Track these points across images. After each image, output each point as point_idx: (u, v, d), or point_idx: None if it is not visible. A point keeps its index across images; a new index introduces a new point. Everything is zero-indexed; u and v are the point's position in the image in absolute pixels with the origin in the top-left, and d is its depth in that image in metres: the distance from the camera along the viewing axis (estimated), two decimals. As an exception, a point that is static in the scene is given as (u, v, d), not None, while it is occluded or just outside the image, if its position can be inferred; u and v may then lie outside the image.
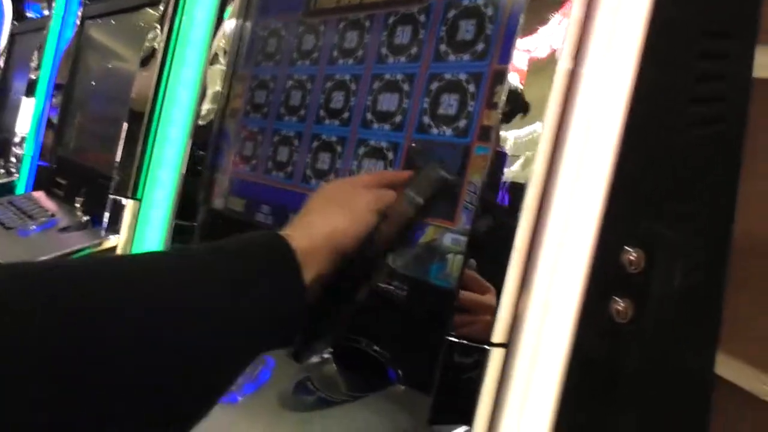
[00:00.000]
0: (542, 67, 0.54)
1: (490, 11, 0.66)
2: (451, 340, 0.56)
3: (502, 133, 0.55)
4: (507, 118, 0.55)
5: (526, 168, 0.54)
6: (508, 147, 0.55)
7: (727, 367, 0.73)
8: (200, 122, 1.05)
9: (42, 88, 1.91)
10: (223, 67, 1.05)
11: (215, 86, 1.05)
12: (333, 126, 0.83)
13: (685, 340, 0.70)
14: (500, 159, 0.55)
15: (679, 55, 0.60)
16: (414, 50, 0.74)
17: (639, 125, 0.55)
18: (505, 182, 0.55)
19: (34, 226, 1.36)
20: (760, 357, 0.70)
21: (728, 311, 0.73)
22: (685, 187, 0.64)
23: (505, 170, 0.55)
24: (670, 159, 0.62)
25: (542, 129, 0.54)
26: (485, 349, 0.54)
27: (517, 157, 0.55)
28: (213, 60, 1.06)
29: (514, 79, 0.56)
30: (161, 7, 1.22)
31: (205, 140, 1.04)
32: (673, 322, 0.66)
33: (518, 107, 0.55)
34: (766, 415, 0.69)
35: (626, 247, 0.58)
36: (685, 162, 0.63)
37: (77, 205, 1.47)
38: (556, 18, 0.54)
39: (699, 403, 0.74)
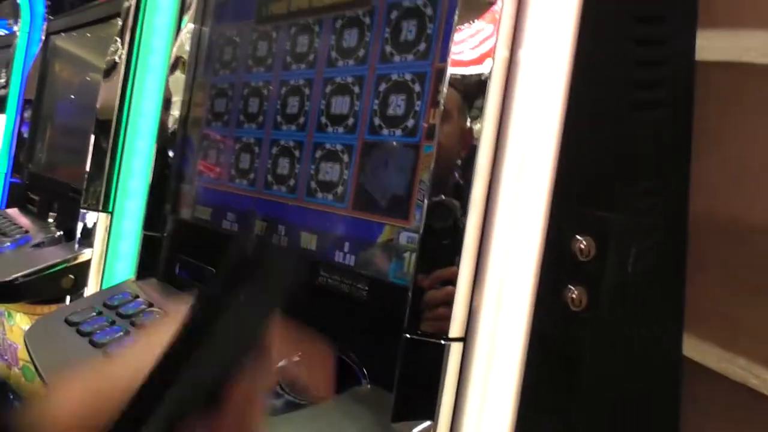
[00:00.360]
0: (479, 61, 0.55)
1: (429, 11, 0.67)
2: (409, 337, 0.57)
3: (444, 132, 0.56)
4: (448, 114, 0.56)
5: (470, 162, 0.55)
6: (451, 144, 0.56)
7: (695, 348, 0.75)
8: (165, 132, 1.05)
9: (12, 104, 1.90)
10: (183, 76, 1.05)
11: (178, 95, 1.05)
12: (290, 131, 0.84)
13: (647, 324, 0.71)
14: (444, 156, 0.56)
15: (615, 41, 0.61)
16: (361, 53, 0.75)
17: (580, 113, 0.56)
18: (450, 179, 0.56)
19: (9, 243, 1.36)
20: (726, 337, 0.72)
21: (692, 293, 0.74)
22: (632, 171, 0.65)
23: (450, 167, 0.56)
24: (615, 144, 0.62)
25: (483, 122, 0.54)
26: (442, 344, 0.55)
27: (462, 151, 0.55)
28: (173, 69, 1.06)
29: (452, 75, 0.57)
30: (121, 18, 1.22)
31: (171, 149, 1.05)
32: (631, 307, 0.67)
33: (458, 103, 0.56)
34: (736, 394, 0.71)
35: (576, 236, 0.59)
36: (630, 147, 0.64)
37: (50, 221, 1.47)
38: (489, 12, 0.55)
39: (668, 385, 0.75)
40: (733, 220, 0.71)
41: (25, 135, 1.76)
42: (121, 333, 0.85)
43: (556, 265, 0.57)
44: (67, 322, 0.90)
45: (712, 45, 0.71)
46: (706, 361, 0.74)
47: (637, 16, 0.63)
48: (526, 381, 0.57)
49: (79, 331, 0.87)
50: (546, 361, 0.59)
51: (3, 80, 1.91)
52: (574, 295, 0.59)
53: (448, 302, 0.55)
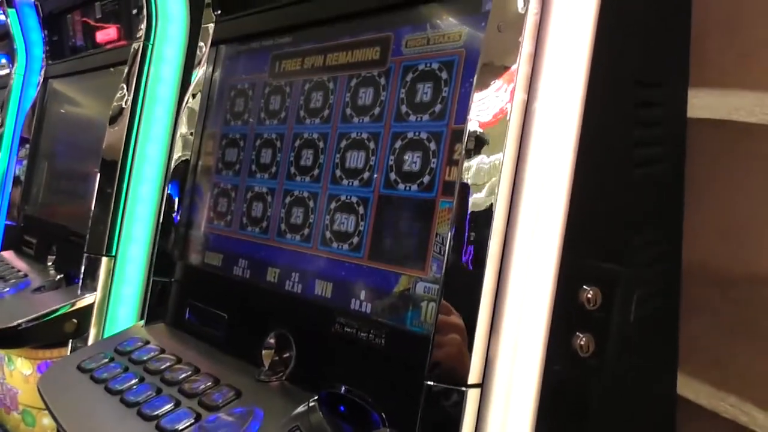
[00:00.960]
0: (496, 123, 0.60)
1: (444, 75, 0.72)
2: (429, 384, 0.60)
3: (463, 188, 0.60)
4: (465, 174, 0.60)
5: (487, 220, 0.59)
6: (469, 200, 0.60)
7: (688, 388, 0.78)
8: (175, 179, 1.08)
9: (6, 146, 1.91)
10: (194, 125, 1.08)
11: (188, 144, 1.08)
12: (304, 182, 0.87)
13: (646, 365, 0.75)
14: (463, 213, 0.60)
15: (618, 105, 0.66)
16: (377, 110, 0.79)
17: (587, 171, 0.61)
18: (469, 234, 0.59)
19: (8, 288, 1.36)
20: (717, 377, 0.76)
21: (686, 335, 0.78)
22: (633, 224, 0.70)
23: (468, 222, 0.60)
24: (617, 200, 0.67)
25: (500, 181, 0.58)
26: (462, 390, 0.58)
27: (479, 209, 0.59)
28: (183, 117, 1.09)
29: (471, 137, 0.61)
30: (127, 66, 1.25)
31: (178, 196, 1.07)
32: (633, 350, 0.71)
33: (474, 164, 0.60)
34: (727, 431, 0.74)
35: (584, 286, 0.63)
36: (631, 202, 0.69)
37: (49, 264, 1.47)
38: (506, 75, 0.59)
39: (664, 422, 0.78)
40: (723, 268, 0.76)
41: (19, 175, 1.76)
42: (135, 380, 0.86)
43: (566, 314, 0.61)
44: (80, 369, 0.92)
45: (703, 103, 0.77)
46: (699, 399, 0.77)
47: (637, 81, 0.68)
48: (539, 423, 0.60)
49: (93, 378, 0.89)
50: (557, 404, 0.62)
51: (-2, 121, 1.93)
52: (582, 342, 0.63)
53: (466, 350, 0.58)
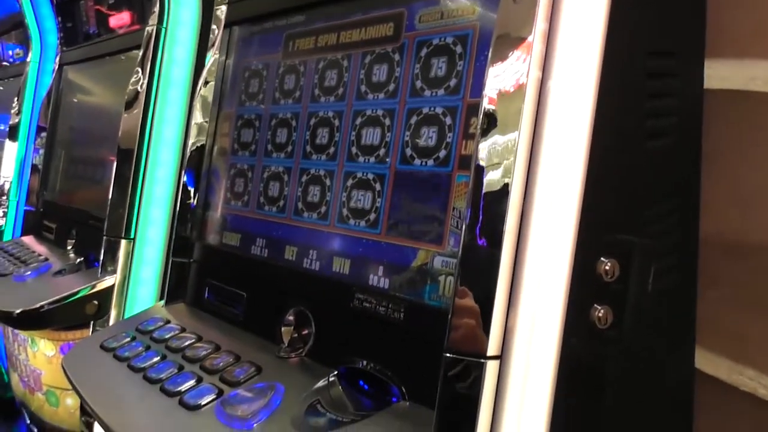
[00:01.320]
0: (511, 95, 0.59)
1: (459, 49, 0.72)
2: (449, 356, 0.60)
3: (478, 164, 0.60)
4: (482, 147, 0.61)
5: (504, 193, 0.59)
6: (485, 176, 0.60)
7: (706, 361, 0.78)
8: (192, 160, 1.09)
9: (23, 133, 1.94)
10: (209, 107, 1.09)
11: (203, 125, 1.09)
12: (320, 161, 0.88)
13: (663, 338, 0.75)
14: (480, 188, 0.60)
15: (630, 75, 0.66)
16: (391, 87, 0.79)
17: (601, 143, 0.60)
18: (486, 207, 0.60)
19: (29, 272, 1.38)
20: (736, 349, 0.76)
21: (703, 308, 0.78)
22: (649, 195, 0.70)
23: (486, 196, 0.60)
24: (632, 172, 0.67)
25: (516, 155, 0.59)
26: (481, 362, 0.59)
27: (496, 182, 0.59)
28: (198, 100, 1.10)
29: (487, 110, 0.61)
30: (141, 50, 1.26)
31: (197, 178, 1.08)
32: (650, 323, 0.71)
33: (491, 137, 0.60)
34: (746, 404, 0.74)
35: (601, 258, 0.63)
36: (646, 173, 0.69)
37: (69, 248, 1.49)
38: (522, 47, 0.59)
39: (682, 396, 0.79)
40: (741, 240, 0.76)
41: (38, 164, 1.78)
42: (158, 358, 0.88)
43: (584, 286, 0.61)
44: (103, 348, 0.93)
45: (719, 74, 0.76)
46: (717, 373, 0.77)
47: (650, 51, 0.68)
48: (558, 395, 0.60)
49: (116, 357, 0.90)
50: (576, 376, 0.62)
51: (15, 109, 1.94)
52: (600, 314, 0.63)
53: (485, 323, 0.59)
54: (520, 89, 0.59)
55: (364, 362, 0.74)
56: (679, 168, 0.74)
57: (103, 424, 0.77)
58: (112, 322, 1.21)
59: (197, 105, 1.09)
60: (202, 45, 1.24)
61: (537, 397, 0.60)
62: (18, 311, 1.19)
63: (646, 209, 0.69)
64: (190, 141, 1.09)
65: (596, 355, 0.65)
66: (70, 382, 0.87)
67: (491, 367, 0.59)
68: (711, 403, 0.78)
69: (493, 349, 0.59)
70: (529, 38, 0.59)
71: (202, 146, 1.08)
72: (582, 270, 0.61)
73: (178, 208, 1.08)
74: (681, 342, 0.79)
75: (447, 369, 0.60)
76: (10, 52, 2.28)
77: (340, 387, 0.74)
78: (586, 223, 0.60)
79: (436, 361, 0.61)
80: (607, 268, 0.63)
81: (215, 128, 1.08)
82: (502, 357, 0.59)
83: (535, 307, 0.59)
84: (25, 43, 2.02)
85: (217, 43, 1.08)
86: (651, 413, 0.73)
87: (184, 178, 1.09)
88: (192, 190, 1.08)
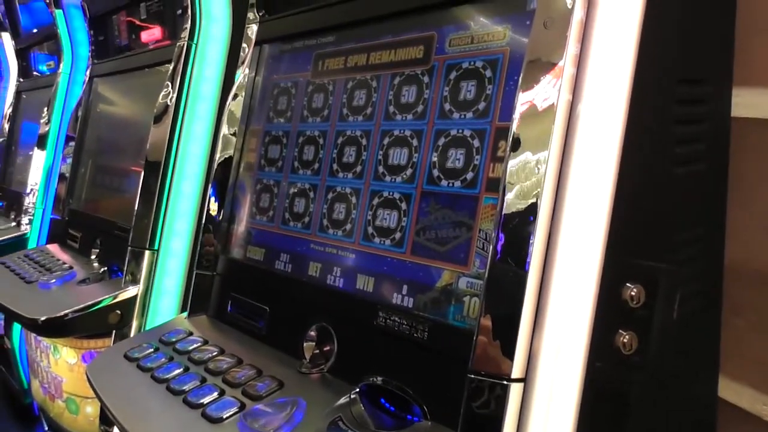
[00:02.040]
0: (541, 120, 0.60)
1: (488, 73, 0.73)
2: (473, 377, 0.61)
3: (508, 187, 0.61)
4: (511, 170, 0.61)
5: (532, 217, 0.59)
6: (514, 199, 0.60)
7: (729, 390, 0.78)
8: (218, 175, 1.10)
9: (52, 142, 1.97)
10: (236, 123, 1.10)
11: (231, 141, 1.11)
12: (347, 179, 0.89)
13: (688, 366, 0.75)
14: (508, 210, 0.61)
15: (660, 102, 0.66)
16: (420, 108, 0.80)
17: (629, 169, 0.61)
18: (513, 230, 0.60)
19: (54, 280, 1.40)
20: (758, 378, 0.75)
21: (727, 336, 0.78)
22: (676, 221, 0.70)
23: (513, 219, 0.60)
24: (659, 198, 0.67)
25: (545, 179, 0.59)
26: (505, 384, 0.59)
27: (524, 206, 0.60)
28: (226, 115, 1.11)
29: (516, 133, 0.62)
30: (171, 65, 1.28)
31: (221, 193, 1.10)
32: (675, 349, 0.71)
33: (521, 161, 0.61)
34: (767, 434, 0.74)
35: (627, 284, 0.63)
36: (673, 199, 0.69)
37: (93, 257, 1.51)
38: (552, 72, 0.60)
39: (705, 424, 0.78)
40: (766, 268, 0.75)
41: (64, 172, 1.81)
42: (180, 370, 0.88)
43: (609, 311, 0.61)
44: (127, 358, 0.94)
45: (747, 102, 0.76)
46: (741, 402, 0.77)
47: (679, 78, 0.68)
48: (581, 419, 0.60)
49: (140, 367, 0.91)
50: (600, 401, 0.62)
51: (44, 119, 1.98)
52: (625, 340, 0.63)
53: (510, 345, 0.59)
54: (550, 113, 0.60)
55: (386, 380, 0.74)
56: (706, 194, 0.74)
57: (126, 433, 0.77)
58: (133, 332, 1.22)
59: (225, 120, 1.11)
60: (232, 61, 1.26)
61: (560, 421, 0.60)
62: (43, 319, 1.20)
63: (672, 235, 0.69)
64: (217, 155, 1.11)
65: (620, 381, 0.65)
66: (94, 390, 0.88)
67: (515, 390, 0.59)
68: (733, 432, 0.78)
69: (517, 371, 0.59)
70: (560, 63, 0.60)
71: (229, 161, 1.10)
72: (608, 295, 0.61)
73: (203, 221, 1.10)
74: (705, 370, 0.78)
75: (471, 390, 0.61)
76: (45, 67, 2.34)
77: (361, 404, 0.74)
78: (612, 248, 0.60)
79: (460, 381, 0.61)
80: (633, 293, 0.63)
81: (243, 143, 1.10)
82: (526, 380, 0.59)
83: (560, 331, 0.60)
84: (56, 54, 2.07)
85: (247, 61, 1.10)
86: (673, 440, 0.73)
87: (210, 192, 1.10)
88: (217, 204, 1.09)
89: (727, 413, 0.78)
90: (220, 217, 1.09)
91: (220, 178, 1.10)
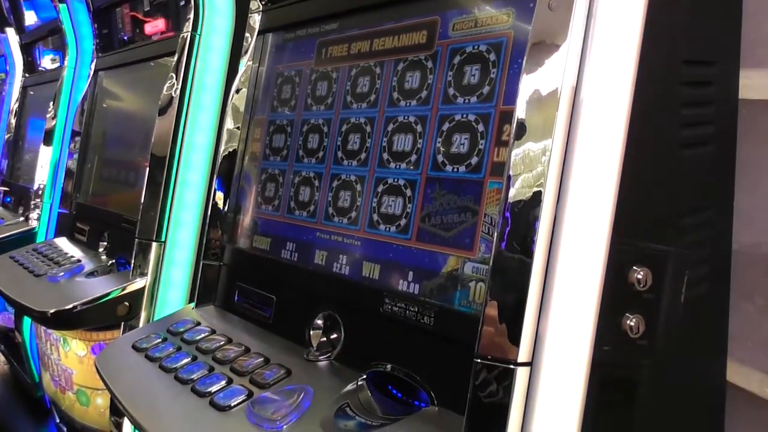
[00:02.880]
0: (546, 102, 0.60)
1: (492, 56, 0.72)
2: (479, 362, 0.61)
3: (513, 170, 0.60)
4: (516, 154, 0.61)
5: (537, 200, 0.59)
6: (519, 182, 0.60)
7: (738, 374, 0.77)
8: (223, 165, 1.10)
9: (58, 136, 1.98)
10: (241, 113, 1.11)
11: (235, 131, 1.11)
12: (351, 166, 0.89)
13: (695, 349, 0.74)
14: (513, 195, 0.60)
15: (665, 83, 0.65)
16: (424, 94, 0.80)
17: (635, 152, 0.60)
18: (519, 214, 0.60)
19: (62, 273, 1.41)
20: (767, 362, 0.75)
21: (735, 320, 0.77)
22: (683, 205, 0.69)
23: (519, 203, 0.60)
24: (666, 181, 0.67)
25: (550, 160, 0.59)
26: (511, 368, 0.59)
27: (529, 190, 0.60)
28: (231, 106, 1.11)
29: (520, 117, 0.61)
30: (175, 56, 1.28)
31: (229, 182, 1.10)
32: (682, 333, 0.70)
33: (526, 144, 0.61)
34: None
35: (634, 267, 0.63)
36: (680, 183, 0.68)
37: (100, 250, 1.52)
38: (555, 57, 0.59)
39: (713, 408, 0.78)
40: (776, 251, 0.75)
41: (72, 168, 1.82)
42: (188, 359, 0.89)
43: (616, 294, 0.61)
44: (135, 348, 0.95)
45: (754, 84, 0.75)
46: (749, 386, 0.76)
47: (686, 60, 0.68)
48: (588, 402, 0.60)
49: (148, 357, 0.92)
50: (607, 385, 0.62)
51: (50, 114, 1.99)
52: (632, 323, 0.63)
53: (516, 329, 0.59)
54: (555, 96, 0.59)
55: (393, 366, 0.74)
56: (713, 177, 0.74)
57: (135, 422, 0.78)
58: (142, 323, 1.22)
59: (229, 111, 1.11)
60: (235, 51, 1.26)
61: (567, 405, 0.60)
62: (52, 311, 1.21)
63: (679, 219, 0.69)
64: (222, 146, 1.11)
65: (628, 364, 0.65)
66: (103, 381, 0.88)
67: (521, 374, 0.59)
68: (742, 416, 0.77)
69: (523, 355, 0.59)
70: (564, 45, 0.59)
71: (234, 151, 1.10)
72: (614, 278, 0.60)
73: (209, 212, 1.10)
74: (712, 353, 0.78)
75: (477, 374, 0.61)
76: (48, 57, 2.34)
77: (368, 391, 0.74)
78: (618, 232, 0.60)
79: (466, 366, 0.61)
80: (639, 276, 0.63)
81: (247, 133, 1.10)
82: (532, 364, 0.59)
83: (566, 315, 0.59)
84: (60, 49, 2.07)
85: (250, 51, 1.10)
86: (681, 424, 0.73)
87: (216, 183, 1.11)
88: (223, 195, 1.10)
89: (735, 397, 0.78)
90: (226, 208, 1.09)
91: (225, 169, 1.10)
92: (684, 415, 0.73)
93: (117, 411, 1.22)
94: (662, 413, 0.69)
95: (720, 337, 0.78)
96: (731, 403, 0.78)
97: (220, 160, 1.11)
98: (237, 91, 1.10)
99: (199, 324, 1.00)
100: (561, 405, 0.59)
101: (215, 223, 1.09)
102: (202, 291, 1.09)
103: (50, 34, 2.28)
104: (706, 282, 0.73)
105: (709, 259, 0.74)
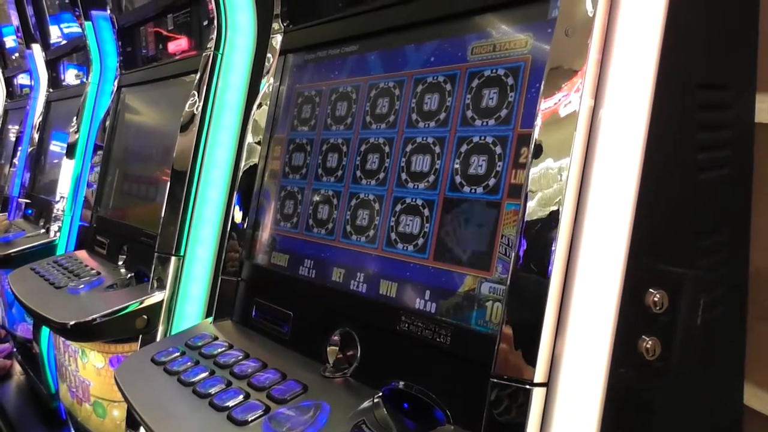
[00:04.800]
0: (563, 127, 0.61)
1: (510, 80, 0.73)
2: (495, 381, 0.61)
3: (530, 192, 0.61)
4: (533, 176, 0.62)
5: (554, 222, 0.60)
6: (536, 204, 0.61)
7: (755, 397, 0.77)
8: (243, 182, 1.12)
9: (80, 151, 2.01)
10: (261, 131, 1.12)
11: (256, 149, 1.13)
12: (370, 185, 0.90)
13: (712, 372, 0.74)
14: (530, 216, 0.61)
15: (683, 108, 0.66)
16: (442, 116, 0.81)
17: (652, 175, 0.61)
18: (536, 235, 0.61)
19: (82, 285, 1.43)
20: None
21: (753, 343, 0.77)
22: (699, 227, 0.70)
23: (536, 224, 0.61)
24: (682, 204, 0.67)
25: (566, 187, 0.60)
26: (527, 389, 0.59)
27: (546, 211, 0.60)
28: (251, 124, 1.13)
29: (538, 139, 0.62)
30: (198, 74, 1.30)
31: (246, 200, 1.11)
32: (699, 356, 0.71)
33: (543, 167, 0.61)
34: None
35: (650, 289, 0.63)
36: (696, 205, 0.69)
37: (120, 263, 1.54)
38: (574, 79, 0.61)
39: (729, 431, 0.77)
40: (793, 274, 0.75)
41: (92, 180, 1.84)
42: (206, 374, 0.90)
43: (632, 316, 0.62)
44: (154, 361, 0.96)
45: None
46: (766, 410, 0.76)
47: (702, 84, 0.69)
48: (604, 424, 0.60)
49: (166, 370, 0.93)
50: (623, 407, 0.62)
51: (73, 128, 2.02)
52: (648, 345, 0.63)
53: (533, 350, 0.60)
54: (572, 119, 0.60)
55: (409, 384, 0.75)
56: (730, 200, 0.74)
57: (153, 435, 0.79)
58: (159, 337, 1.24)
59: (250, 129, 1.13)
60: (256, 71, 1.28)
61: (583, 426, 0.60)
62: (72, 323, 1.23)
63: (696, 241, 0.69)
64: (242, 163, 1.13)
65: (644, 387, 0.65)
66: (122, 393, 0.90)
67: (538, 394, 0.60)
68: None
69: (540, 376, 0.60)
70: (582, 70, 0.60)
71: (254, 168, 1.12)
72: (630, 300, 0.61)
73: (228, 228, 1.12)
74: (729, 376, 0.78)
75: (493, 394, 0.61)
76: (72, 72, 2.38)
77: (384, 409, 0.75)
78: (635, 254, 0.61)
79: (482, 386, 0.62)
80: (656, 299, 0.63)
81: (267, 151, 1.12)
82: (548, 384, 0.60)
83: (582, 336, 0.60)
84: (85, 65, 2.11)
85: (272, 70, 1.12)
86: (698, 449, 0.72)
87: (235, 199, 1.12)
88: (242, 211, 1.11)
89: (753, 421, 0.77)
90: (245, 224, 1.10)
91: (244, 186, 1.12)
92: (700, 438, 0.73)
93: (133, 423, 1.23)
94: (678, 436, 0.69)
95: (737, 359, 0.78)
96: (749, 427, 0.78)
97: (239, 178, 1.12)
98: (258, 109, 1.12)
99: (216, 338, 1.01)
100: (577, 426, 0.60)
101: (234, 239, 1.10)
102: (219, 306, 1.10)
103: (74, 51, 2.33)
104: (723, 304, 0.73)
105: (726, 281, 0.74)
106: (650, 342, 0.63)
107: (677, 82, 0.64)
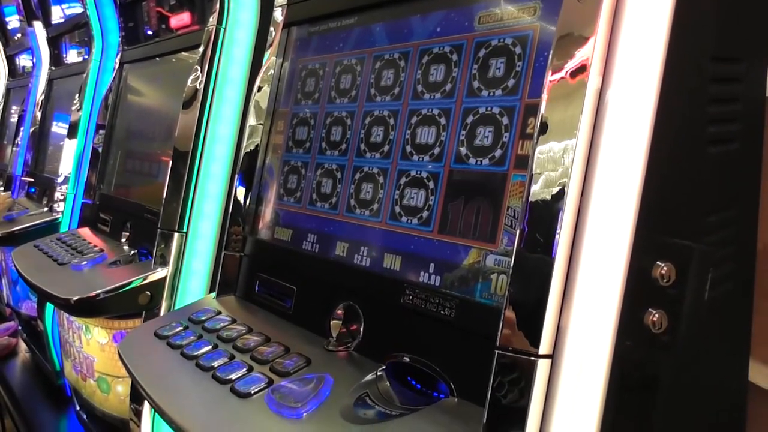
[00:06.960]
0: (572, 94, 0.60)
1: (518, 50, 0.72)
2: (500, 353, 0.61)
3: (537, 162, 0.60)
4: (541, 146, 0.61)
5: (561, 192, 0.59)
6: (544, 174, 0.60)
7: (760, 374, 0.77)
8: (246, 157, 1.11)
9: (83, 128, 2.01)
10: (265, 105, 1.11)
11: (259, 123, 1.12)
12: (374, 159, 0.89)
13: (717, 347, 0.74)
14: (537, 188, 0.60)
15: (692, 80, 0.65)
16: (448, 87, 0.80)
17: (661, 147, 0.60)
18: (543, 206, 0.60)
19: (86, 262, 1.43)
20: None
21: (758, 320, 0.77)
22: (709, 201, 0.69)
23: (542, 196, 0.60)
24: (693, 177, 0.66)
25: (575, 154, 0.59)
26: (532, 360, 0.59)
27: (553, 183, 0.60)
28: (254, 98, 1.12)
29: (546, 110, 0.61)
30: (201, 49, 1.29)
31: (251, 174, 1.11)
32: (705, 330, 0.70)
33: (551, 136, 0.61)
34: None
35: (658, 262, 0.63)
36: (706, 180, 0.68)
37: (123, 240, 1.54)
38: (581, 52, 0.59)
39: (734, 407, 0.77)
40: (801, 250, 0.74)
41: (96, 159, 1.84)
42: (209, 347, 0.90)
43: (639, 289, 0.61)
44: (157, 336, 0.96)
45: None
46: (770, 386, 0.76)
47: (713, 56, 0.67)
48: (609, 396, 0.60)
49: (169, 344, 0.93)
50: (628, 378, 0.62)
51: (76, 106, 2.01)
52: (654, 318, 0.62)
53: (538, 322, 0.59)
54: (581, 89, 0.59)
55: (413, 357, 0.74)
56: (740, 175, 0.73)
57: (156, 407, 0.79)
58: (162, 312, 1.24)
59: (253, 103, 1.12)
60: (260, 45, 1.27)
61: (588, 398, 0.59)
62: (75, 298, 1.23)
63: (705, 215, 0.68)
64: (245, 138, 1.12)
65: (649, 360, 0.64)
66: (126, 367, 0.90)
67: (542, 366, 0.59)
68: (764, 417, 0.77)
69: (545, 347, 0.59)
70: (592, 38, 0.59)
71: (257, 144, 1.11)
72: (637, 272, 0.60)
73: (231, 204, 1.11)
74: (735, 353, 0.77)
75: (498, 366, 0.61)
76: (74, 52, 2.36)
77: (388, 381, 0.74)
78: (643, 226, 0.60)
79: (487, 358, 0.61)
80: (663, 272, 0.62)
81: (270, 126, 1.11)
82: (553, 356, 0.59)
83: (588, 308, 0.59)
84: (86, 43, 2.10)
85: (275, 44, 1.11)
86: (702, 423, 0.72)
87: (238, 175, 1.12)
88: (245, 186, 1.11)
89: (757, 397, 0.77)
90: (248, 199, 1.10)
91: (247, 161, 1.11)
92: (705, 414, 0.73)
93: (137, 398, 1.24)
94: (682, 410, 0.69)
95: (743, 336, 0.78)
96: (752, 403, 0.77)
97: (242, 152, 1.12)
98: (261, 84, 1.11)
99: (219, 313, 1.01)
100: (581, 397, 0.59)
101: (237, 215, 1.10)
102: (223, 281, 1.10)
103: (76, 28, 2.31)
104: (729, 280, 0.73)
105: (734, 257, 0.74)
106: (657, 315, 0.62)
107: (688, 53, 0.63)
